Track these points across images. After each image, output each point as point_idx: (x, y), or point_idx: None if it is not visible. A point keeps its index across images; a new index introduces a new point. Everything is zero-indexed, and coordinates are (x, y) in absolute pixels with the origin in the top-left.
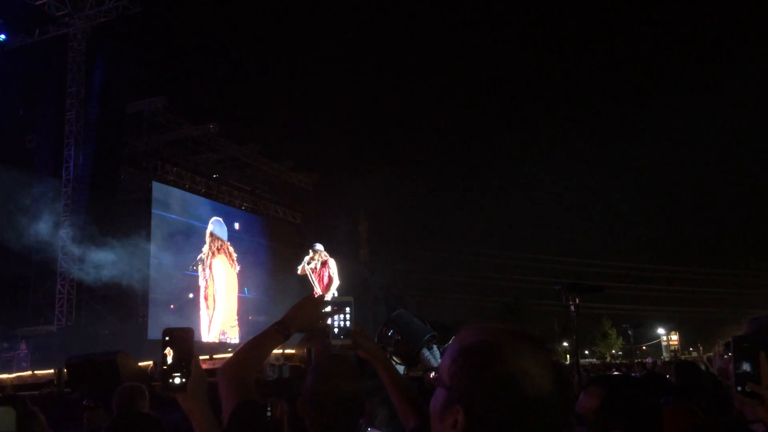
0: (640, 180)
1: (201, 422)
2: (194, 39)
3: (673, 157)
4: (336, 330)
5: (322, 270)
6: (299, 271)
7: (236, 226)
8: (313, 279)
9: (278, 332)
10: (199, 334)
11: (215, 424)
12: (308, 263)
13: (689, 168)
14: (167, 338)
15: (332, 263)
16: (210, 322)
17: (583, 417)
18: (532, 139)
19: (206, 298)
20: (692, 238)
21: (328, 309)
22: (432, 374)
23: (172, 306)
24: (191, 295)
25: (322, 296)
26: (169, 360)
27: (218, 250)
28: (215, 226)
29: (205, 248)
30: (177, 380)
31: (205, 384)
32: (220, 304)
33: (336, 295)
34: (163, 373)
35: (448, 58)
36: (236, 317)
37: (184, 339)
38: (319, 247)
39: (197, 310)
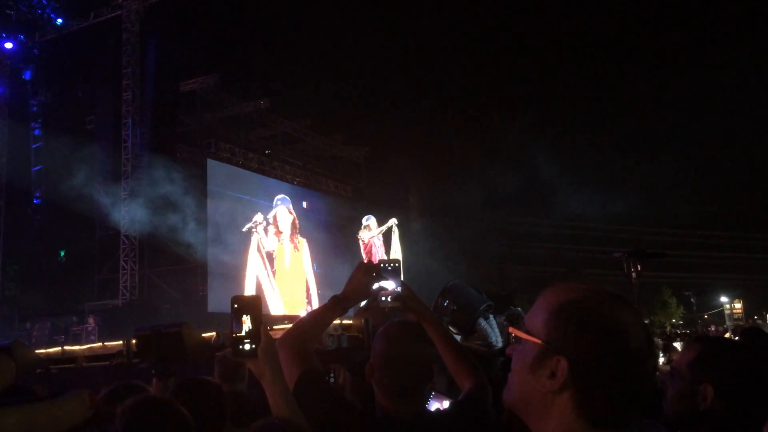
0: (700, 146)
1: (273, 387)
2: (243, 16)
3: (734, 123)
4: (384, 293)
5: (376, 241)
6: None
7: (304, 204)
8: (368, 250)
9: (336, 305)
10: (266, 309)
11: (287, 388)
12: (364, 234)
13: (750, 132)
14: (236, 306)
15: (394, 234)
16: (274, 297)
17: (677, 370)
18: (594, 97)
19: (269, 273)
20: (756, 204)
21: (379, 273)
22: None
23: (230, 280)
24: (248, 270)
25: (371, 262)
26: (244, 327)
27: (287, 227)
28: (283, 202)
29: (273, 226)
30: (247, 347)
31: (275, 350)
32: (284, 280)
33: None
34: (234, 340)
35: (502, 27)
36: (306, 292)
37: (253, 306)
38: (372, 220)
39: (255, 285)
